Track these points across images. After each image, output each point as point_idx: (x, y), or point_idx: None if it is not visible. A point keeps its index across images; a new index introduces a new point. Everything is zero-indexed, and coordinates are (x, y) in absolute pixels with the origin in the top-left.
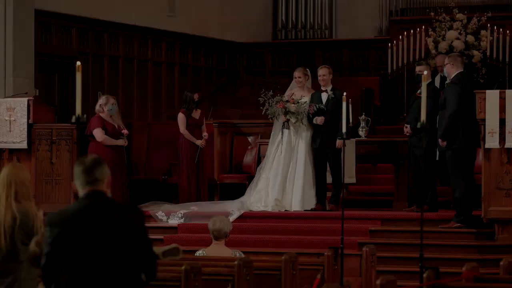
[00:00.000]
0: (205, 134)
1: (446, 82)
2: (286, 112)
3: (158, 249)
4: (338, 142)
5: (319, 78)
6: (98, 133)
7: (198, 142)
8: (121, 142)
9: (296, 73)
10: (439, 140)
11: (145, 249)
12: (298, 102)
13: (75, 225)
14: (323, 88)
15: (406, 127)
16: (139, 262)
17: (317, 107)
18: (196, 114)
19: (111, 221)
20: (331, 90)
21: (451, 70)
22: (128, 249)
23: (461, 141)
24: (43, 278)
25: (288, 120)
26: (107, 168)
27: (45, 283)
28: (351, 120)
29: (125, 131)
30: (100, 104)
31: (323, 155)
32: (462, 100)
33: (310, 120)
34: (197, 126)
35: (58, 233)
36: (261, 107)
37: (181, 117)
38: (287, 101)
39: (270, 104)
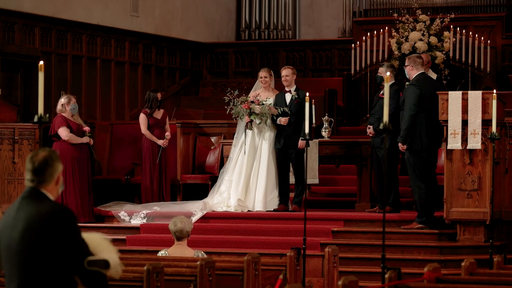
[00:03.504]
0: (167, 134)
1: (406, 83)
2: (250, 113)
3: (95, 257)
4: (301, 143)
5: (282, 78)
6: (64, 132)
7: (160, 142)
8: (86, 139)
9: (262, 73)
10: (399, 144)
11: (71, 260)
12: (263, 104)
13: (1, 222)
14: (286, 89)
15: (369, 128)
16: (64, 273)
17: (281, 110)
18: (159, 114)
19: (26, 224)
20: (294, 91)
21: (412, 72)
22: (42, 257)
23: (420, 143)
24: None
25: (251, 121)
26: (59, 165)
27: None
28: (314, 121)
29: (86, 128)
30: (62, 104)
31: (286, 156)
32: (421, 101)
33: (273, 120)
34: (160, 126)
35: None
36: (226, 106)
37: (142, 117)
38: (252, 102)
39: (235, 104)
